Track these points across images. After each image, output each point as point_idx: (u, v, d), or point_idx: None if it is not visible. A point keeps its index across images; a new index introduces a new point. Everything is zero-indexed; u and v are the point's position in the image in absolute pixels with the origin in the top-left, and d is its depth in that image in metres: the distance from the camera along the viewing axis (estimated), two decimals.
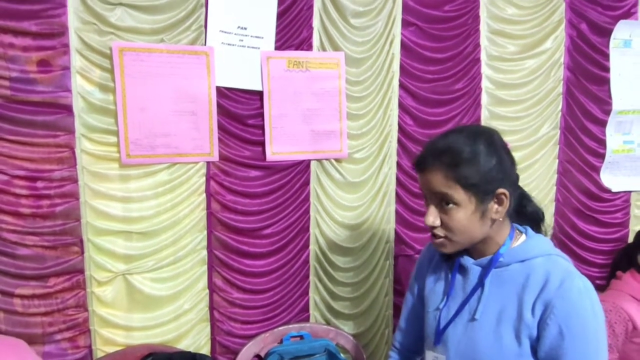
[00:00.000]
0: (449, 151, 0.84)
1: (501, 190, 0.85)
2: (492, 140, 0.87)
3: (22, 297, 1.26)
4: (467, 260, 0.92)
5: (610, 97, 1.75)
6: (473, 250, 0.92)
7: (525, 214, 0.95)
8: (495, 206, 0.86)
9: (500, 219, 0.87)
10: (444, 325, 0.93)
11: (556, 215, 1.78)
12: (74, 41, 1.24)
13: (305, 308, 1.58)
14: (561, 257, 0.88)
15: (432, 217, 0.87)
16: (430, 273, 1.01)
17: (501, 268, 0.88)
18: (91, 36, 1.25)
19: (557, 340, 0.80)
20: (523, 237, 0.91)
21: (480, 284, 0.89)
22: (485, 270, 0.90)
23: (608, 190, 1.80)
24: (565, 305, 0.80)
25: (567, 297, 0.80)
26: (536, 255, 0.87)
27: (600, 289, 1.45)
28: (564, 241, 1.78)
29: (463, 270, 0.93)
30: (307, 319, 1.58)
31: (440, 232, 0.87)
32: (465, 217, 0.84)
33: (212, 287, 1.46)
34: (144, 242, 1.36)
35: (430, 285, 1.01)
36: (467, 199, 0.83)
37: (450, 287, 0.94)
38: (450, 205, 0.84)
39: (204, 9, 1.35)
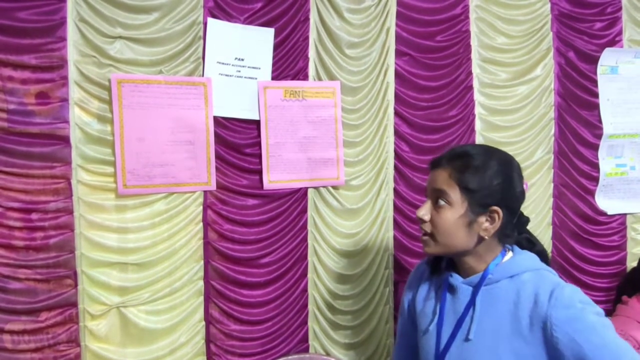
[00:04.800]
0: (463, 155, 0.90)
1: (495, 207, 0.87)
2: (508, 163, 0.91)
3: (12, 332, 1.23)
4: (456, 279, 0.93)
5: (600, 121, 1.79)
6: (461, 267, 0.93)
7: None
8: (486, 223, 0.88)
9: (487, 238, 0.89)
10: (441, 350, 0.92)
11: (554, 239, 1.78)
12: (72, 73, 1.26)
13: (305, 338, 1.54)
14: (548, 271, 0.90)
15: (424, 211, 0.91)
16: (420, 294, 1.02)
17: (491, 285, 0.90)
18: (90, 68, 1.27)
19: (576, 346, 0.80)
20: (510, 254, 0.93)
21: (472, 302, 0.90)
22: (476, 288, 0.90)
23: (604, 213, 1.80)
24: (561, 313, 0.81)
25: (560, 305, 0.82)
26: (524, 270, 0.89)
27: (605, 313, 1.44)
28: (563, 265, 1.77)
29: (452, 289, 0.94)
30: (306, 350, 1.54)
31: (427, 227, 0.91)
32: (453, 218, 0.88)
33: (208, 319, 1.43)
34: (140, 274, 1.34)
35: (419, 306, 1.01)
36: (460, 202, 0.87)
37: (441, 307, 0.94)
38: (443, 204, 0.89)
39: (201, 41, 1.37)
